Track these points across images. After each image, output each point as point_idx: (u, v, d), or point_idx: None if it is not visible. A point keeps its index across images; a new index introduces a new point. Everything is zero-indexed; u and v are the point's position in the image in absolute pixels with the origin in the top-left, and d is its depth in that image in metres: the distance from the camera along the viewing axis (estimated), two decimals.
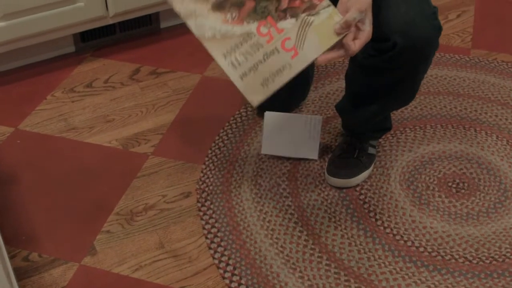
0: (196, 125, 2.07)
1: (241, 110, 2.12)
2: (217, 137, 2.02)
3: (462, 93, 2.22)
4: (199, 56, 2.40)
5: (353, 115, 1.83)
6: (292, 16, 1.38)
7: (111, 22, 2.35)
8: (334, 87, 2.22)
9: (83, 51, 2.44)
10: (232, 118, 2.09)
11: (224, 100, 2.18)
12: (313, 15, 1.37)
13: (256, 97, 1.38)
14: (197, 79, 2.28)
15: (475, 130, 2.05)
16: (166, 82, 2.27)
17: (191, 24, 1.41)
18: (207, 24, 1.41)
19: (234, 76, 1.39)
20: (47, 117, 2.12)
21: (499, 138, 2.02)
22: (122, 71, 2.33)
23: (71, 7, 2.23)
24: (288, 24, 1.38)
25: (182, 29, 2.56)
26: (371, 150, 1.89)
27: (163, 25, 2.57)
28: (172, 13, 2.54)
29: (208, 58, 2.39)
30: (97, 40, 2.46)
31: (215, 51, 1.41)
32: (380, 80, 1.64)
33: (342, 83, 2.22)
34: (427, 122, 2.08)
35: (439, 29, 1.52)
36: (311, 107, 2.13)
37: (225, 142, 2.00)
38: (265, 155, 1.94)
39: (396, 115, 2.10)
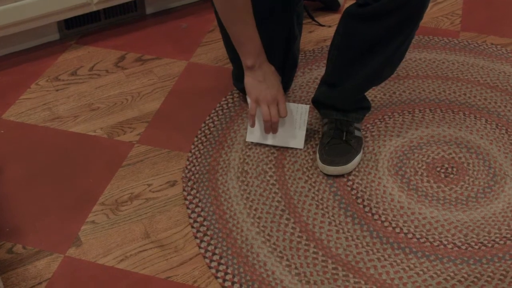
0: (182, 112, 2.05)
1: (228, 97, 2.10)
2: (203, 125, 1.99)
3: (451, 76, 2.20)
4: (185, 42, 2.38)
5: (336, 94, 1.81)
6: None
7: (95, 9, 2.32)
8: (322, 72, 2.19)
9: (68, 39, 2.41)
10: (218, 105, 2.06)
11: (211, 86, 2.15)
12: None
13: None
14: (183, 65, 2.26)
15: (464, 114, 2.03)
16: (152, 69, 2.24)
17: None
18: None
19: None
20: (31, 106, 2.09)
21: (488, 122, 2.00)
22: (107, 58, 2.30)
23: None
24: None
25: (168, 15, 2.54)
26: (357, 133, 1.87)
27: (149, 11, 2.53)
28: None
29: (194, 44, 2.36)
30: (81, 27, 2.43)
31: None
32: (380, 26, 1.61)
33: None
34: (415, 106, 2.06)
35: None
36: (298, 92, 2.11)
37: (211, 129, 1.97)
38: (252, 142, 1.92)
39: (384, 100, 2.08)
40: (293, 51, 1.99)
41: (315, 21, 2.46)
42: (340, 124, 1.85)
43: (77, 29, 2.42)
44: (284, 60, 1.97)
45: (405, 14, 1.58)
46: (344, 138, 1.83)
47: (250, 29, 1.72)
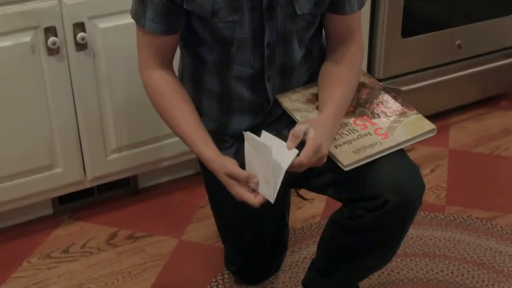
0: None
1: (218, 278, 2.11)
2: None
3: (438, 254, 2.23)
4: (176, 218, 2.42)
5: (328, 286, 1.83)
6: (384, 117, 1.67)
7: (89, 186, 2.38)
8: (311, 251, 2.22)
9: (61, 214, 2.44)
10: (208, 287, 2.08)
11: (201, 266, 2.17)
12: (403, 117, 1.66)
13: (347, 160, 1.56)
14: (174, 243, 2.28)
15: None
16: (143, 248, 2.27)
17: (297, 115, 1.69)
18: (311, 116, 1.68)
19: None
20: (22, 286, 2.10)
21: None
22: (99, 235, 2.33)
23: (49, 172, 2.26)
24: (381, 120, 1.66)
25: (160, 189, 2.59)
26: None
27: (141, 185, 2.59)
28: (150, 174, 2.57)
29: (185, 220, 2.40)
30: (75, 203, 2.47)
31: None
32: (367, 238, 1.66)
33: None
34: (403, 286, 2.08)
35: (423, 186, 1.63)
36: (288, 273, 2.13)
37: None
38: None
39: (373, 280, 2.09)
40: (284, 236, 2.04)
41: (299, 195, 2.51)
42: None
43: (70, 204, 2.46)
44: (274, 245, 2.00)
45: (392, 227, 1.63)
46: None
47: (191, 117, 1.67)
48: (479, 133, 2.99)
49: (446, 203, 2.51)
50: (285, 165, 1.50)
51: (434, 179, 2.66)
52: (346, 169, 1.55)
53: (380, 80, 2.66)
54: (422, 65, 2.90)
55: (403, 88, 2.79)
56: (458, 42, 2.93)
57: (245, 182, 1.55)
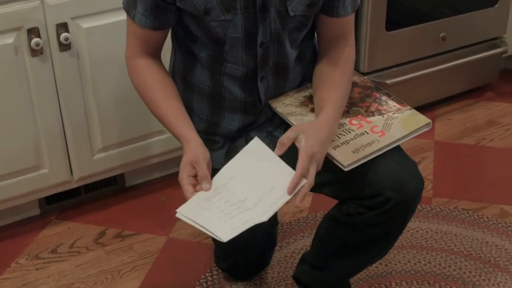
0: None
1: (207, 274, 2.12)
2: None
3: (425, 245, 2.24)
4: (164, 215, 2.42)
5: (319, 280, 1.84)
6: (379, 115, 1.68)
7: (75, 186, 2.38)
8: (299, 246, 2.23)
9: (48, 214, 2.44)
10: (197, 283, 2.08)
11: (190, 263, 2.18)
12: (397, 113, 1.67)
13: (347, 161, 1.56)
14: (163, 241, 2.29)
15: (440, 286, 2.06)
16: (132, 246, 2.27)
17: (291, 119, 1.68)
18: (306, 119, 1.68)
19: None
20: (11, 287, 2.10)
21: None
22: (87, 234, 2.33)
23: (35, 173, 2.26)
24: (376, 118, 1.67)
25: (147, 187, 2.59)
26: None
27: (128, 183, 2.59)
28: (137, 172, 2.57)
29: (173, 218, 2.40)
30: (62, 202, 2.47)
31: None
32: (366, 234, 1.67)
33: (307, 241, 2.23)
34: (391, 279, 2.10)
35: (422, 181, 1.64)
36: (276, 268, 2.14)
37: None
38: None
39: (361, 273, 2.10)
40: (274, 233, 2.04)
41: None
42: None
43: (58, 204, 2.46)
44: (266, 242, 2.01)
45: (392, 223, 1.65)
46: None
47: (174, 102, 1.67)
48: (464, 125, 3.00)
49: (433, 195, 2.53)
50: (287, 197, 1.50)
51: (420, 171, 2.67)
52: (346, 169, 1.55)
53: (364, 74, 2.68)
54: (407, 58, 2.91)
55: (388, 81, 2.80)
56: (442, 34, 2.94)
57: (200, 179, 1.58)
